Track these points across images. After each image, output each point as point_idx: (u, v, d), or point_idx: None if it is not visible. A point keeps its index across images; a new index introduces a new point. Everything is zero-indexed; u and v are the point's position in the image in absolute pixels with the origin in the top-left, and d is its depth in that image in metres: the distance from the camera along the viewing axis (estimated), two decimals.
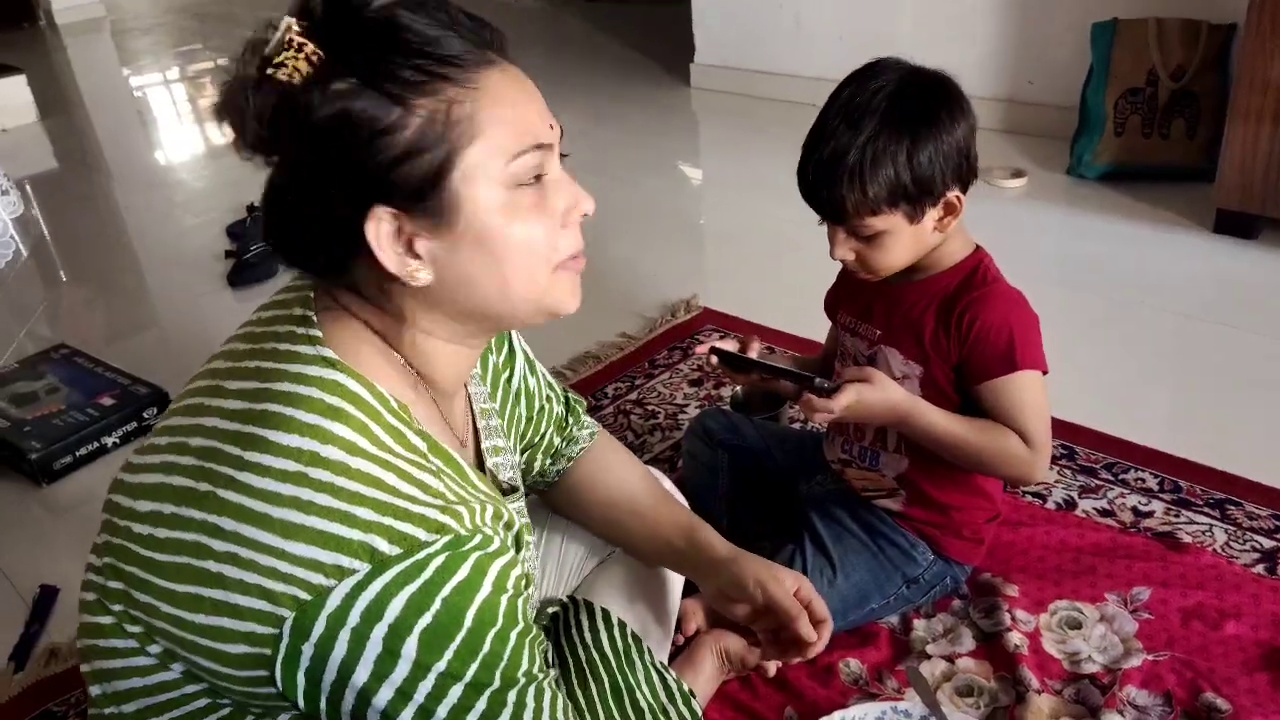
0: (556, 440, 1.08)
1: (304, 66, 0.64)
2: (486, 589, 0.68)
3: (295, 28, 0.64)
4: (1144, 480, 1.50)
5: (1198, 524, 1.40)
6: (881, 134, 1.02)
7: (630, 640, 1.01)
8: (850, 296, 1.23)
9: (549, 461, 1.08)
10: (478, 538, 0.67)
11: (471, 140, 0.67)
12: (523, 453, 1.06)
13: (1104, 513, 1.45)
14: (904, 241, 1.08)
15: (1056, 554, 1.35)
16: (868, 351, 1.19)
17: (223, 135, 0.69)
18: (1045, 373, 1.09)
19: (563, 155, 0.76)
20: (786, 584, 1.00)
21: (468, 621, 0.66)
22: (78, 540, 1.59)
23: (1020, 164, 2.70)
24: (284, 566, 0.63)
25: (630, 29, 4.70)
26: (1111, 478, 1.51)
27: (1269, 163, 2.11)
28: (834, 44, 3.24)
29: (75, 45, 5.72)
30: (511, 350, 1.02)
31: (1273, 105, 2.07)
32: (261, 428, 0.66)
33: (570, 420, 1.10)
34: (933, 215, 1.07)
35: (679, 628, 1.17)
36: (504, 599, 0.69)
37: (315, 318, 0.72)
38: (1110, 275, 2.16)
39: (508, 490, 0.90)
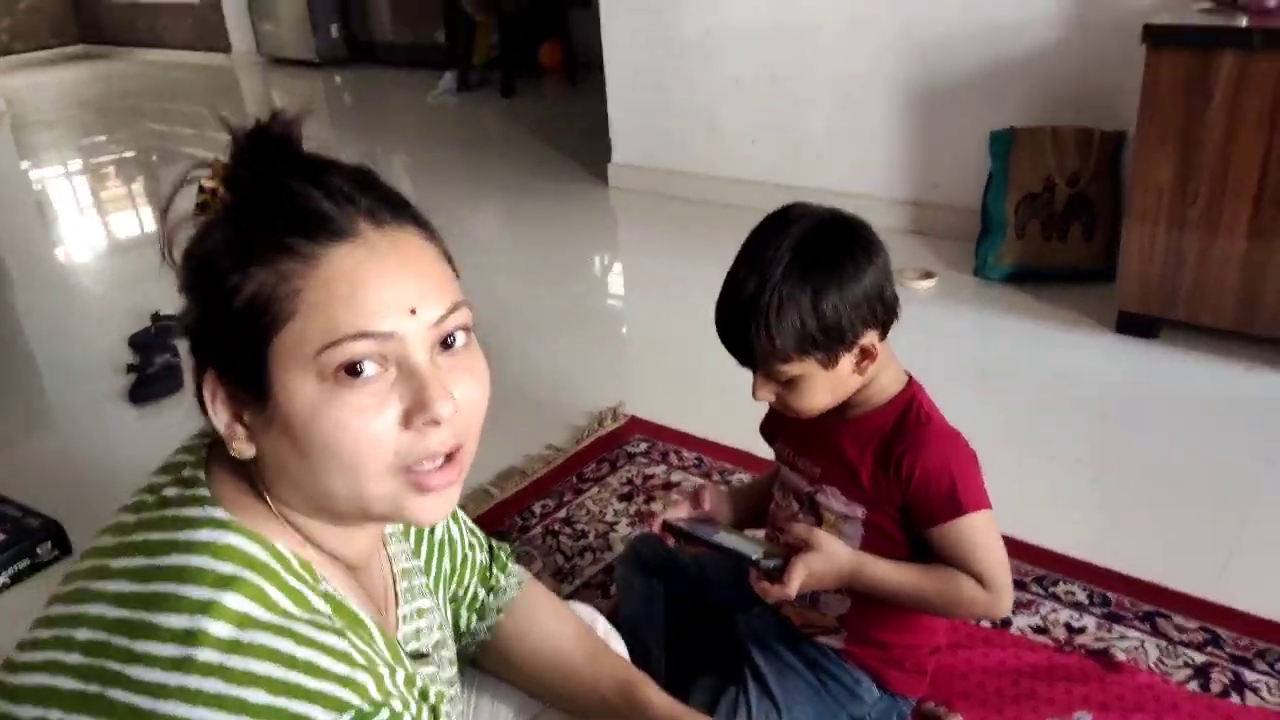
0: (481, 593, 1.03)
1: (217, 205, 0.65)
2: None
3: (218, 171, 0.66)
4: (1074, 593, 1.51)
5: (1130, 639, 1.41)
6: (785, 284, 1.02)
7: None
8: (787, 427, 1.22)
9: (475, 618, 1.02)
10: (384, 713, 0.62)
11: (290, 318, 0.63)
12: (447, 604, 1.00)
13: (1038, 629, 1.45)
14: (822, 386, 1.08)
15: (996, 678, 1.34)
16: (808, 488, 1.17)
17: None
18: (990, 508, 1.09)
19: (464, 329, 0.69)
20: None
21: None
22: None
23: (930, 264, 2.78)
24: None
25: (548, 126, 4.75)
26: (1042, 590, 1.52)
27: (1165, 265, 2.20)
28: (747, 146, 3.33)
29: None
30: None
31: (1166, 208, 2.16)
32: (149, 612, 0.61)
33: (495, 569, 1.05)
34: (848, 360, 1.07)
35: None
36: None
37: (204, 476, 0.68)
38: (1021, 377, 2.22)
39: (417, 657, 0.84)
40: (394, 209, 0.67)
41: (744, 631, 1.28)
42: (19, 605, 1.63)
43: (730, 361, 1.11)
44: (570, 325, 2.69)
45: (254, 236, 0.63)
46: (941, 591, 1.08)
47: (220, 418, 0.66)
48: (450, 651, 0.92)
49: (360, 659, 0.63)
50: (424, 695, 0.70)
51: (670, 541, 1.21)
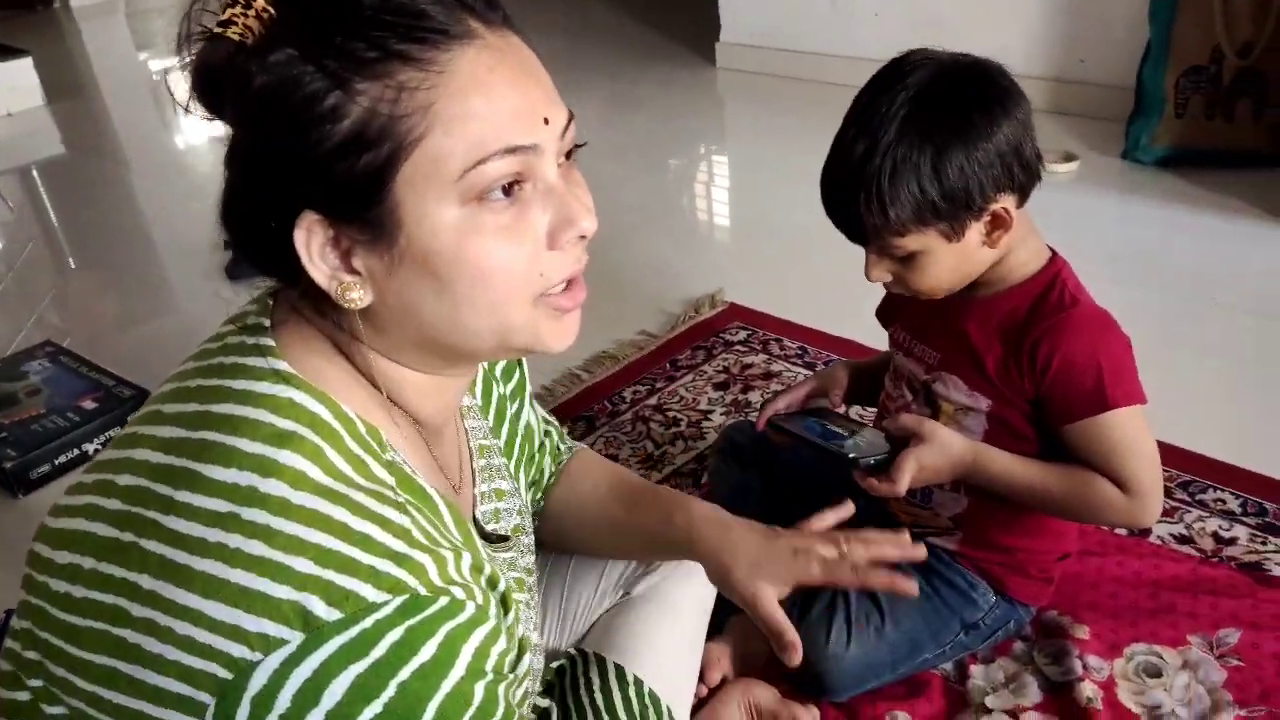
0: (551, 470, 0.96)
1: (255, 25, 0.54)
2: (458, 672, 0.53)
3: None
4: (1224, 501, 1.34)
5: None
6: (901, 145, 0.87)
7: (648, 700, 0.88)
8: (905, 308, 1.08)
9: (541, 497, 0.96)
10: (442, 600, 0.53)
11: (423, 138, 0.53)
12: (528, 490, 0.93)
13: (1181, 539, 1.29)
14: (945, 262, 0.93)
15: (1131, 589, 1.20)
16: (924, 377, 1.04)
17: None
18: (1144, 403, 0.93)
19: (577, 145, 0.62)
20: (784, 578, 0.82)
21: (430, 713, 0.52)
22: None
23: (1071, 147, 2.52)
24: (202, 636, 0.50)
25: (652, 8, 4.53)
26: (1188, 498, 1.35)
27: None
28: (870, 21, 3.07)
29: (89, 28, 5.62)
30: (522, 381, 0.90)
31: None
32: (196, 461, 0.54)
33: (562, 448, 0.98)
34: (977, 230, 0.92)
35: (702, 677, 1.03)
36: (480, 685, 0.55)
37: (269, 326, 0.61)
38: (1173, 269, 1.98)
39: (496, 540, 0.76)
40: (490, 3, 0.58)
41: (846, 528, 1.17)
42: None
43: (841, 244, 0.97)
44: (670, 211, 2.56)
45: (350, 45, 0.52)
46: (1072, 492, 0.95)
47: (322, 268, 0.56)
48: (530, 538, 0.85)
49: (422, 538, 0.55)
50: (492, 583, 0.62)
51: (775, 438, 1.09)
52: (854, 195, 0.90)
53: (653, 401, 1.70)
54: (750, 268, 2.22)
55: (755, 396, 1.69)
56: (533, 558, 0.84)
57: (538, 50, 0.60)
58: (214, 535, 0.52)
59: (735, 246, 2.47)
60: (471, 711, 0.54)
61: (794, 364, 1.77)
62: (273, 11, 0.55)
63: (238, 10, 0.55)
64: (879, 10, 3.04)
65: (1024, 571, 1.08)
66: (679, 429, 1.63)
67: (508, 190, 0.56)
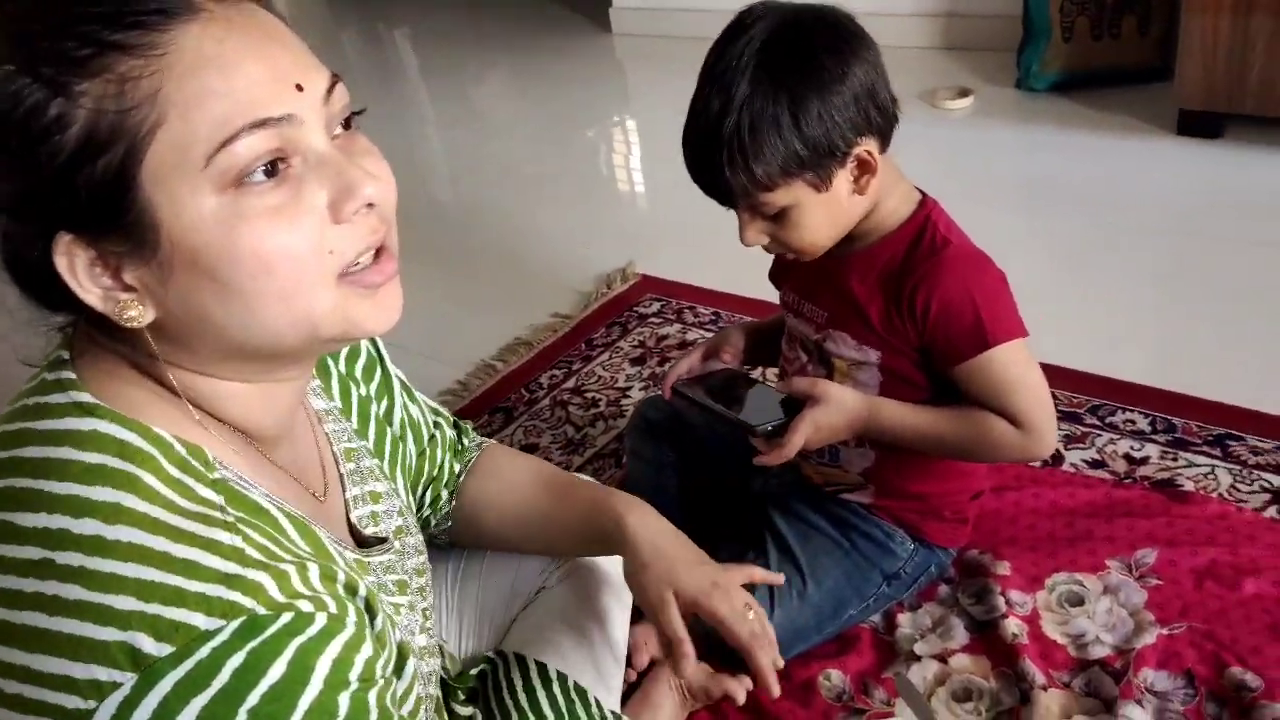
0: (456, 467, 0.93)
1: None
2: (315, 687, 0.51)
3: None
4: (1134, 422, 1.36)
5: (1198, 466, 1.27)
6: (756, 97, 0.85)
7: (574, 694, 0.87)
8: (793, 271, 1.06)
9: (449, 495, 0.92)
10: (286, 616, 0.51)
11: (157, 127, 0.49)
12: (426, 487, 0.90)
13: (1094, 464, 1.30)
14: (818, 214, 0.91)
15: (1048, 519, 1.21)
16: (815, 335, 1.02)
17: None
18: (1025, 336, 0.93)
19: (356, 112, 0.57)
20: (689, 593, 0.80)
21: None
22: None
23: (966, 82, 2.53)
24: (31, 692, 0.48)
25: None
26: (1098, 422, 1.37)
27: (1230, 55, 1.95)
28: None
29: None
30: (386, 378, 0.85)
31: None
32: (5, 510, 0.51)
33: (464, 442, 0.95)
34: (845, 177, 0.90)
35: (630, 661, 1.01)
36: (344, 696, 0.52)
37: (69, 358, 0.57)
38: (1073, 192, 2.01)
39: (374, 543, 0.74)
40: None
41: (762, 494, 1.16)
42: None
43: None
44: (575, 185, 2.51)
45: (61, 47, 0.48)
46: (967, 433, 0.94)
47: (93, 290, 0.52)
48: (416, 538, 0.82)
49: (258, 554, 0.53)
50: (351, 589, 0.58)
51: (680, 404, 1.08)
52: (716, 155, 0.87)
53: (570, 384, 1.68)
54: (659, 236, 2.20)
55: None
56: (422, 558, 0.82)
57: (289, 17, 0.57)
58: (29, 585, 0.49)
59: (642, 216, 2.44)
60: None
61: (709, 331, 1.76)
62: None
63: None
64: None
65: (939, 515, 1.08)
66: (599, 409, 1.60)
67: (271, 171, 0.52)
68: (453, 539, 0.96)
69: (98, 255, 0.52)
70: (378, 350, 0.86)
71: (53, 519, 0.50)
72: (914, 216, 0.96)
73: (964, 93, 2.46)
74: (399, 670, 0.63)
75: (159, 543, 0.50)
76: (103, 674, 0.47)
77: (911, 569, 1.09)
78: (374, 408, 0.83)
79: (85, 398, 0.54)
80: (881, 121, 0.89)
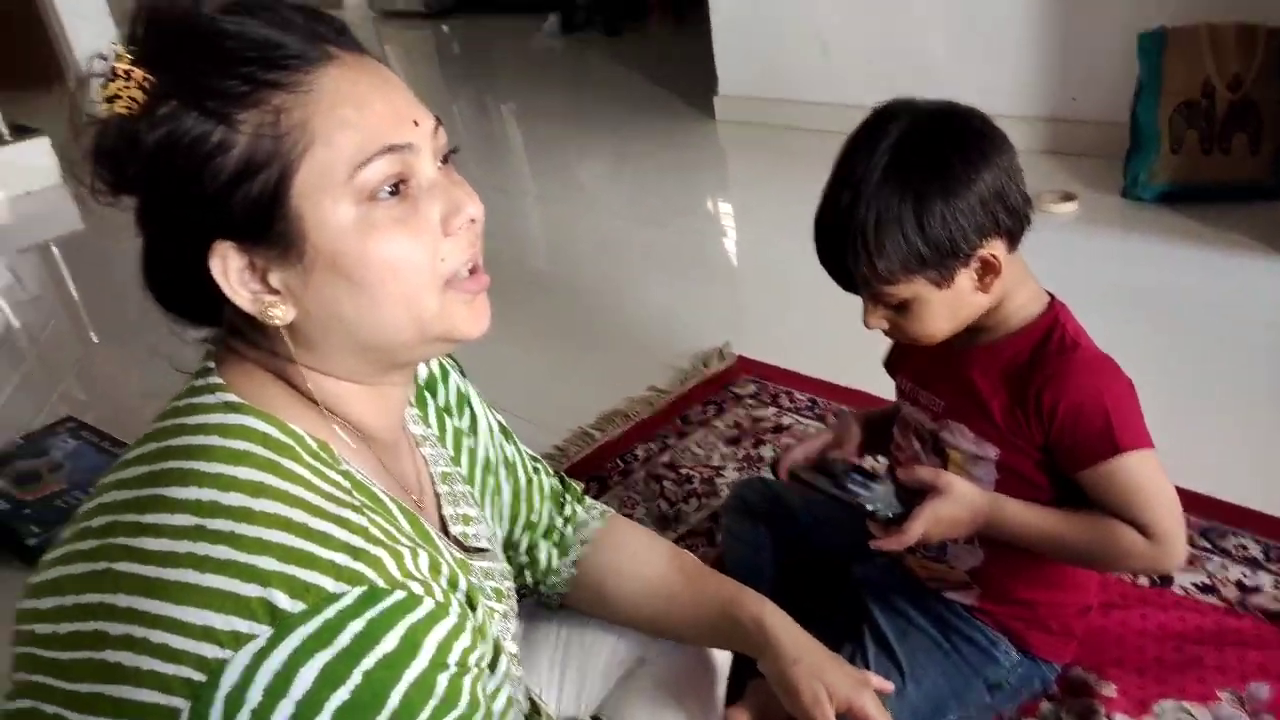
0: (558, 522, 0.97)
1: (139, 95, 0.59)
2: (421, 663, 0.56)
3: (123, 53, 0.59)
4: (1245, 547, 1.32)
5: None
6: (883, 195, 0.88)
7: None
8: (910, 357, 1.08)
9: (557, 554, 0.96)
10: (399, 594, 0.56)
11: (306, 151, 0.59)
12: (523, 532, 0.95)
13: (1204, 588, 1.27)
14: (939, 308, 0.93)
15: (1156, 642, 1.18)
16: (930, 424, 1.03)
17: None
18: (1152, 447, 0.93)
19: (452, 151, 0.67)
20: (843, 692, 0.86)
21: (393, 701, 0.55)
22: None
23: (1070, 186, 2.53)
24: (176, 641, 0.53)
25: (653, 64, 4.59)
26: (1209, 545, 1.34)
27: None
28: (863, 68, 3.10)
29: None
30: (474, 416, 0.91)
31: None
32: (158, 487, 0.58)
33: (568, 496, 0.99)
34: (968, 276, 0.92)
35: None
36: (443, 677, 0.57)
37: (214, 367, 0.66)
38: (1179, 308, 1.98)
39: (474, 550, 0.79)
40: (340, 31, 0.64)
41: (862, 584, 1.16)
42: None
43: (846, 299, 0.98)
44: (675, 264, 2.57)
45: (223, 85, 0.58)
46: (1094, 539, 0.93)
47: (242, 293, 0.61)
48: (503, 566, 0.86)
49: (379, 534, 0.59)
50: (453, 583, 0.64)
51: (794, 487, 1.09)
52: (842, 246, 0.91)
53: (665, 459, 1.70)
54: (757, 319, 2.23)
55: (767, 451, 1.68)
56: (510, 584, 0.86)
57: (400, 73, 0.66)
58: (183, 547, 0.55)
59: (741, 298, 2.48)
60: (435, 702, 0.57)
61: (804, 416, 1.77)
62: (153, 78, 0.58)
63: (118, 84, 0.58)
64: (870, 57, 3.08)
65: (1045, 626, 1.06)
66: (692, 486, 1.62)
67: (395, 190, 0.61)
68: (568, 604, 0.98)
69: (249, 261, 0.60)
70: (465, 390, 0.92)
71: (203, 492, 0.57)
72: (1043, 315, 0.97)
73: (1069, 196, 2.46)
74: (493, 666, 0.68)
75: (298, 515, 0.57)
76: (243, 625, 0.52)
77: (1015, 680, 1.07)
78: (466, 441, 0.89)
79: (232, 397, 0.62)
80: (1010, 223, 0.92)
